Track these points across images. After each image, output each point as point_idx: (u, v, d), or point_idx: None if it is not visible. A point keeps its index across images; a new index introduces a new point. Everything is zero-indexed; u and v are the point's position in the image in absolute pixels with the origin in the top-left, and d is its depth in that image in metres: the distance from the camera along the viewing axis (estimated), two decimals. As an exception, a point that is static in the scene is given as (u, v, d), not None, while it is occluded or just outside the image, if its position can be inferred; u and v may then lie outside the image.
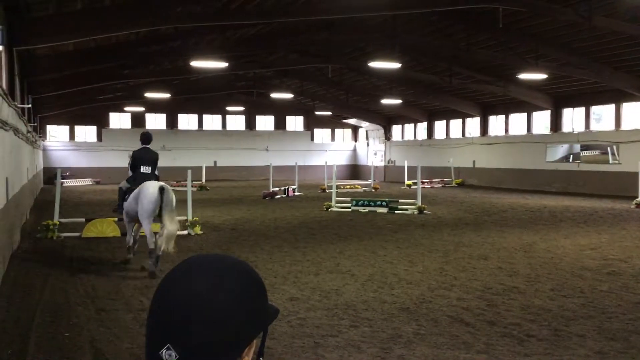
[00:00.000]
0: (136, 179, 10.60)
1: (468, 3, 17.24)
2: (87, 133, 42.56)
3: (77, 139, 42.20)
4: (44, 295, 8.36)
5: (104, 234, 14.09)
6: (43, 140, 38.37)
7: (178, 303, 1.14)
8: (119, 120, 43.15)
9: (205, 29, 21.26)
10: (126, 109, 40.08)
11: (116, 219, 15.10)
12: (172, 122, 44.50)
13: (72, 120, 41.18)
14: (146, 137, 11.30)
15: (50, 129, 41.53)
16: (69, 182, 36.38)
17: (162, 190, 9.87)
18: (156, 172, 11.03)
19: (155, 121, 44.12)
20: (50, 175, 33.98)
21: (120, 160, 41.99)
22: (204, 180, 33.22)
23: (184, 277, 1.18)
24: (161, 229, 9.90)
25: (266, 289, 1.28)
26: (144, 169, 10.80)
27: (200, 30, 21.32)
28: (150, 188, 9.94)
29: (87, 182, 38.61)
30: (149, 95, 31.87)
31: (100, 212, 18.90)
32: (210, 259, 1.23)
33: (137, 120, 43.30)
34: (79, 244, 13.24)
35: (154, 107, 41.21)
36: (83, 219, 14.99)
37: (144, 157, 10.90)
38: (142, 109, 40.42)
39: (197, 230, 14.65)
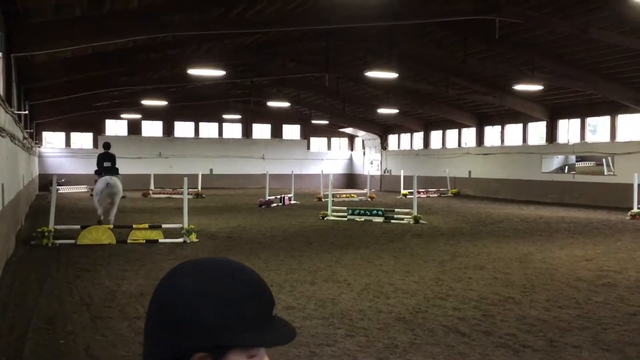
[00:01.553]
0: (101, 171, 16.53)
1: (465, 14, 17.33)
2: (83, 140, 42.51)
3: (73, 146, 42.15)
4: (39, 302, 8.33)
5: (100, 241, 14.06)
6: (39, 147, 38.31)
7: (184, 300, 1.14)
8: (116, 127, 43.11)
9: (203, 37, 21.31)
10: (123, 116, 40.04)
11: (112, 226, 15.13)
12: (168, 130, 44.50)
13: (69, 126, 41.13)
14: (106, 145, 17.54)
15: (47, 135, 41.48)
16: (65, 189, 36.29)
17: (107, 184, 15.66)
18: (117, 167, 16.96)
19: (152, 128, 44.11)
20: (46, 181, 33.93)
21: (116, 167, 41.92)
22: (200, 188, 33.19)
23: (187, 275, 1.18)
24: (110, 204, 16.15)
25: (272, 297, 1.23)
26: (106, 164, 16.73)
27: (198, 38, 21.37)
28: (100, 185, 15.90)
29: (82, 188, 38.50)
30: (145, 102, 31.85)
31: (96, 219, 18.86)
32: (214, 259, 1.23)
33: (134, 128, 43.29)
34: (74, 251, 13.21)
35: (151, 114, 41.21)
36: (78, 226, 14.95)
37: (104, 158, 16.86)
38: (138, 116, 40.40)
39: (193, 238, 14.63)
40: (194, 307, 1.13)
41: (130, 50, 22.16)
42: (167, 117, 43.41)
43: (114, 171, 16.40)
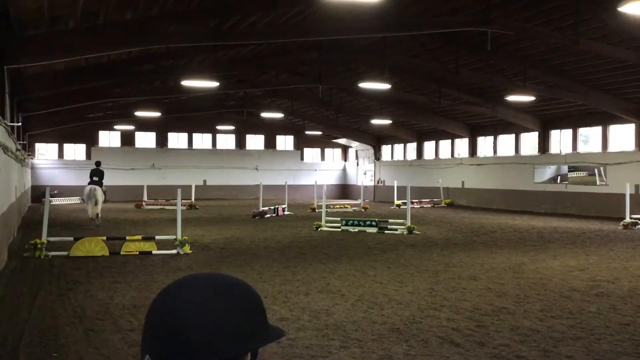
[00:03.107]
0: (89, 184, 21.53)
1: (457, 26, 17.46)
2: (76, 151, 42.39)
3: (66, 157, 42.00)
4: (31, 315, 8.29)
5: (92, 253, 14.00)
6: (32, 159, 38.18)
7: (175, 315, 1.18)
8: (109, 138, 43.05)
9: (197, 49, 21.37)
10: (116, 127, 40.00)
11: (105, 237, 15.07)
12: (162, 141, 44.46)
13: (62, 138, 41.03)
14: (97, 162, 22.65)
15: (39, 146, 41.34)
16: (57, 201, 36.14)
17: (92, 189, 20.97)
18: (102, 181, 22.03)
19: (145, 140, 44.06)
20: (39, 193, 33.78)
21: (109, 178, 41.66)
22: (193, 199, 33.11)
23: (182, 291, 1.21)
24: (94, 205, 21.00)
25: (264, 309, 1.30)
26: (94, 179, 21.77)
27: (192, 50, 21.42)
28: (87, 189, 21.35)
29: (75, 200, 38.36)
30: (139, 113, 31.85)
31: (89, 231, 18.80)
32: (211, 275, 1.27)
33: (127, 139, 43.23)
34: (67, 263, 13.15)
35: (144, 125, 41.18)
36: (71, 238, 14.88)
37: (93, 173, 22.05)
38: (132, 127, 40.37)
39: (187, 249, 14.59)
40: (183, 325, 1.17)
41: (124, 61, 22.18)
42: (161, 128, 43.38)
43: (98, 183, 21.60)
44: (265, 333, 1.27)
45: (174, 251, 14.46)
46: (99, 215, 21.62)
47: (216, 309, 1.19)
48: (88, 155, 42.10)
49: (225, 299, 1.21)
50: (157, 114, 32.97)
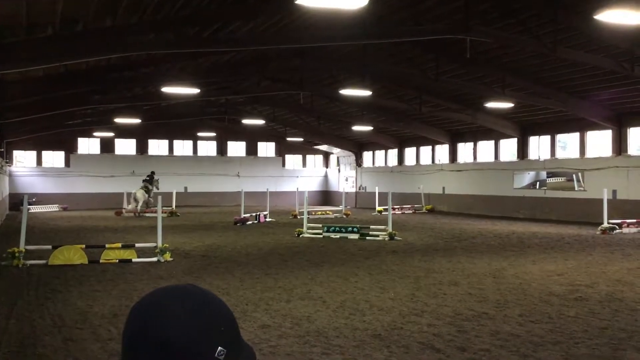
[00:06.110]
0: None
1: (436, 34, 17.61)
2: (54, 158, 41.92)
3: (44, 165, 41.51)
4: (9, 325, 8.18)
5: (71, 261, 13.86)
6: (9, 166, 37.69)
7: (162, 333, 1.16)
8: (88, 145, 42.62)
9: (177, 56, 21.28)
10: (95, 134, 39.65)
11: (84, 245, 14.91)
12: (142, 148, 44.14)
13: (40, 145, 40.56)
14: (152, 172, 34.60)
15: (17, 154, 40.81)
16: (36, 208, 35.70)
17: (134, 192, 31.92)
18: (150, 185, 32.96)
19: (125, 146, 43.71)
20: (16, 201, 33.35)
21: (88, 186, 41.44)
22: (174, 206, 32.93)
23: (163, 306, 1.19)
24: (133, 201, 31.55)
25: (234, 326, 1.25)
26: (146, 178, 33.82)
27: (173, 56, 21.33)
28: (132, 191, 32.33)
29: (54, 208, 37.94)
30: (118, 120, 31.62)
31: (67, 239, 18.59)
32: (185, 288, 1.24)
33: (106, 146, 42.86)
34: (45, 271, 13.00)
35: (124, 132, 40.85)
36: (50, 246, 14.73)
37: (147, 175, 34.23)
38: (111, 134, 40.05)
39: (167, 257, 14.51)
40: (170, 340, 1.14)
41: (104, 68, 22.02)
42: (141, 135, 43.07)
43: (144, 186, 32.24)
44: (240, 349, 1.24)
45: (155, 259, 14.37)
46: (139, 211, 31.14)
47: (200, 322, 1.17)
48: (67, 162, 41.68)
49: (207, 312, 1.19)
50: (137, 121, 32.74)
